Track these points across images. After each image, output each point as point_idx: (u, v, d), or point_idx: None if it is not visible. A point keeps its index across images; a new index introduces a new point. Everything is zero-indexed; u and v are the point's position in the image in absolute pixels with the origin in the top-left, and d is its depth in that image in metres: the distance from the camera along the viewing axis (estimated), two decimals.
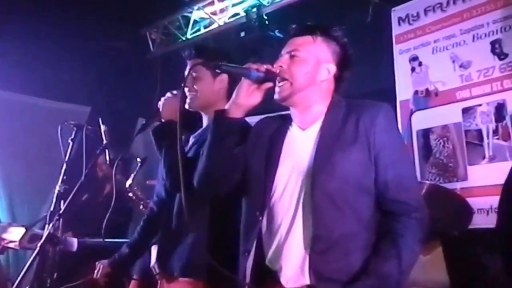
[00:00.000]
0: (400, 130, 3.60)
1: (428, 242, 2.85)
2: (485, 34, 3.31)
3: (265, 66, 1.57)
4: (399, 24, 3.81)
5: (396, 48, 3.79)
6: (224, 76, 1.99)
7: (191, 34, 5.11)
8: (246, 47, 4.41)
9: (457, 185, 3.23)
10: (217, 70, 1.62)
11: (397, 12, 3.83)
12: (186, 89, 1.98)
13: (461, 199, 2.67)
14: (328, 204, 1.44)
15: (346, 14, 3.98)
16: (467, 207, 2.59)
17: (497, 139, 3.17)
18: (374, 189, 1.48)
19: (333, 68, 1.60)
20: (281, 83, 1.57)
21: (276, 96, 1.59)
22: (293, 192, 1.49)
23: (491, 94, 3.23)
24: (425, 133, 3.53)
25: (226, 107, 1.61)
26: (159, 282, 2.01)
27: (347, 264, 1.42)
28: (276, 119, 1.69)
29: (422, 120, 3.56)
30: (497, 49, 3.24)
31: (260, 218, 1.51)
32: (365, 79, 3.78)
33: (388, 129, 1.52)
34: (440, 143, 3.45)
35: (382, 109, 1.54)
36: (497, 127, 3.18)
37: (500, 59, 3.22)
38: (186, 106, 1.97)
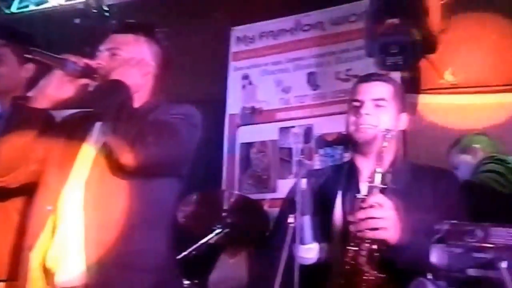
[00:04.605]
0: (225, 142, 3.94)
1: (235, 247, 3.19)
2: (304, 66, 3.80)
3: (84, 60, 1.52)
4: (236, 43, 4.13)
5: (231, 64, 4.10)
6: (32, 66, 1.88)
7: (18, 8, 4.62)
8: (79, 35, 4.21)
9: (267, 196, 3.63)
10: (27, 55, 1.52)
11: (236, 31, 4.13)
12: None
13: (263, 209, 3.03)
14: None
15: (192, 22, 4.17)
16: (267, 217, 2.95)
17: (303, 157, 3.64)
18: None
19: (153, 69, 1.64)
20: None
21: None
22: None
23: (303, 118, 3.72)
24: (247, 147, 3.89)
25: (30, 94, 1.52)
26: None
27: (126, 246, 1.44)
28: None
29: (246, 134, 3.92)
30: (311, 80, 3.74)
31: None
32: (200, 87, 4.02)
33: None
34: (258, 157, 3.84)
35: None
36: (304, 147, 3.67)
37: (313, 90, 3.73)
38: None
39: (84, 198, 1.47)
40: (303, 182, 1.37)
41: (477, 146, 2.79)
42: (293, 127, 3.74)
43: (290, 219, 1.29)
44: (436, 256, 1.09)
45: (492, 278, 1.00)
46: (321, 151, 3.60)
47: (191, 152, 1.61)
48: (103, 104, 1.45)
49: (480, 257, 1.03)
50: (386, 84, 1.69)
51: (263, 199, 3.50)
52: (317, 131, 3.64)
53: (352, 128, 1.66)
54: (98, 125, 1.59)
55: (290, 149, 3.72)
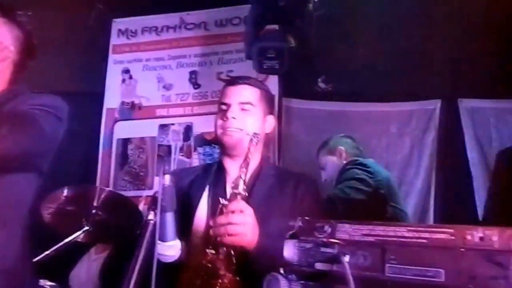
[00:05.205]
0: (102, 137, 3.78)
1: (102, 243, 3.07)
2: (186, 64, 3.78)
3: None
4: (118, 35, 3.98)
5: (111, 57, 3.94)
6: None
7: None
8: None
9: (144, 193, 3.55)
10: None
11: (117, 23, 3.99)
12: None
13: (135, 206, 2.95)
14: None
15: (72, 10, 3.93)
16: (139, 214, 2.87)
17: (182, 155, 3.65)
18: None
19: (13, 55, 1.53)
20: None
21: None
22: None
23: (183, 116, 3.71)
24: (124, 143, 3.77)
25: None
26: None
27: None
28: None
29: (124, 130, 3.80)
30: (193, 79, 3.74)
31: None
32: (77, 79, 3.82)
33: None
34: (136, 153, 3.74)
35: None
36: (183, 145, 3.65)
37: (194, 88, 3.73)
38: None
39: None
40: (166, 179, 1.35)
41: (342, 148, 3.00)
42: (172, 124, 3.71)
43: (150, 216, 1.27)
44: (288, 251, 1.14)
45: (336, 271, 1.07)
46: (200, 150, 3.63)
47: (53, 146, 1.53)
48: None
49: (327, 252, 1.10)
50: (253, 88, 1.73)
51: (140, 196, 3.42)
52: (197, 130, 3.65)
53: (219, 131, 1.69)
54: None
55: (169, 146, 3.68)
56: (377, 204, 2.76)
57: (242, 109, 1.68)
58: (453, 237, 0.91)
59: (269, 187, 1.66)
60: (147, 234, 1.24)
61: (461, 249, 0.88)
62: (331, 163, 3.00)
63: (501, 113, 3.57)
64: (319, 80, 3.68)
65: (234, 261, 1.44)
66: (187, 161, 3.61)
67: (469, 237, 0.88)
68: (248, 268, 1.44)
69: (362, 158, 2.97)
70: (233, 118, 1.65)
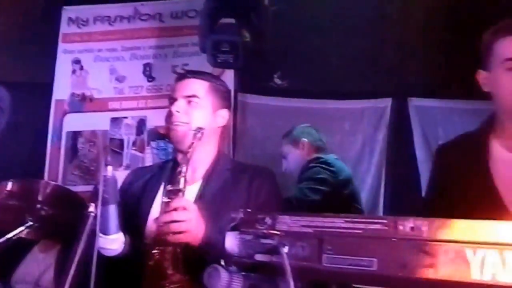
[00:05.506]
0: (50, 130, 3.66)
1: (48, 240, 2.97)
2: (140, 56, 3.71)
3: None
4: (68, 24, 3.85)
5: (61, 46, 3.81)
6: None
7: None
8: None
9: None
10: None
11: (67, 11, 3.85)
12: None
13: (82, 201, 2.87)
14: None
15: None
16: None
17: (135, 150, 3.58)
18: None
19: None
20: None
21: None
22: None
23: (136, 109, 3.64)
24: (75, 136, 3.66)
25: None
26: None
27: None
28: None
29: (74, 122, 3.69)
30: (147, 72, 3.67)
31: None
32: (24, 68, 3.69)
33: None
34: (86, 147, 3.64)
35: None
36: (136, 139, 3.58)
37: (148, 81, 3.67)
38: None
39: None
40: (109, 170, 1.32)
41: (305, 140, 3.00)
42: (125, 117, 3.63)
43: (91, 208, 1.24)
44: (229, 243, 1.13)
45: (276, 262, 1.07)
46: (154, 144, 3.57)
47: None
48: None
49: (267, 243, 1.10)
50: (200, 81, 1.71)
51: (90, 191, 3.33)
52: (151, 124, 3.59)
53: (166, 125, 1.67)
54: None
55: (121, 140, 3.60)
56: (339, 205, 2.77)
57: (189, 102, 1.66)
58: (386, 227, 0.93)
59: (224, 181, 1.65)
60: (87, 227, 1.20)
61: (393, 239, 0.90)
62: (294, 155, 3.00)
63: (448, 112, 3.70)
64: (275, 76, 3.70)
65: (181, 259, 1.42)
66: (140, 156, 3.55)
67: (400, 227, 0.90)
68: (197, 265, 1.42)
69: (325, 154, 2.96)
70: (177, 111, 1.63)
